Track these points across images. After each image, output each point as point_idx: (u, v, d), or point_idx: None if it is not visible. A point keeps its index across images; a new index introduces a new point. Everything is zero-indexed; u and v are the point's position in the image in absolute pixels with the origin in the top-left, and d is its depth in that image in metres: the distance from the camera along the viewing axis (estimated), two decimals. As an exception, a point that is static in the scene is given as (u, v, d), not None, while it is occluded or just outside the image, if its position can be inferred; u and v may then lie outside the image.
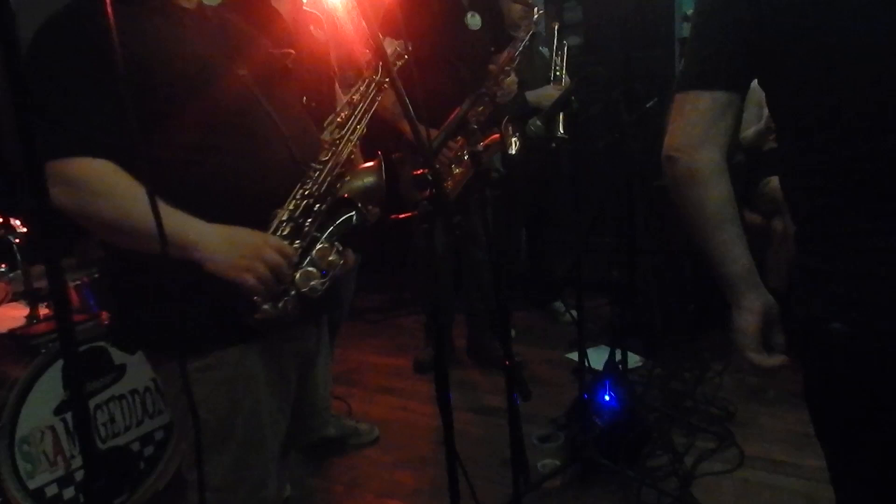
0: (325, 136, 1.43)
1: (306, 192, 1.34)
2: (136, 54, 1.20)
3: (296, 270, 1.31)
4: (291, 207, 1.33)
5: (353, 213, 1.37)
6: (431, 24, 2.92)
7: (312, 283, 1.31)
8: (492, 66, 2.92)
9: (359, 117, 1.42)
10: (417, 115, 1.27)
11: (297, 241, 1.33)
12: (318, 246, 1.34)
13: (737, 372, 3.13)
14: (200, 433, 1.12)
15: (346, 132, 1.42)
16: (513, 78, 2.96)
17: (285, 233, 1.32)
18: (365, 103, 1.42)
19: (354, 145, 1.42)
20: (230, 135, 1.30)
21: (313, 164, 1.37)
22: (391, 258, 4.34)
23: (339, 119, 1.43)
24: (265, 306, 1.29)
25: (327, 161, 1.37)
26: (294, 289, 1.31)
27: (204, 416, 1.26)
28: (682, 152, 1.12)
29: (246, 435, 1.39)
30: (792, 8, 1.05)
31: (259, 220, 1.32)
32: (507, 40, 3.08)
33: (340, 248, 1.36)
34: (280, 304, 1.30)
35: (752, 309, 1.14)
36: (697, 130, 1.11)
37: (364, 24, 1.22)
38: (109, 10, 0.92)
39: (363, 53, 2.14)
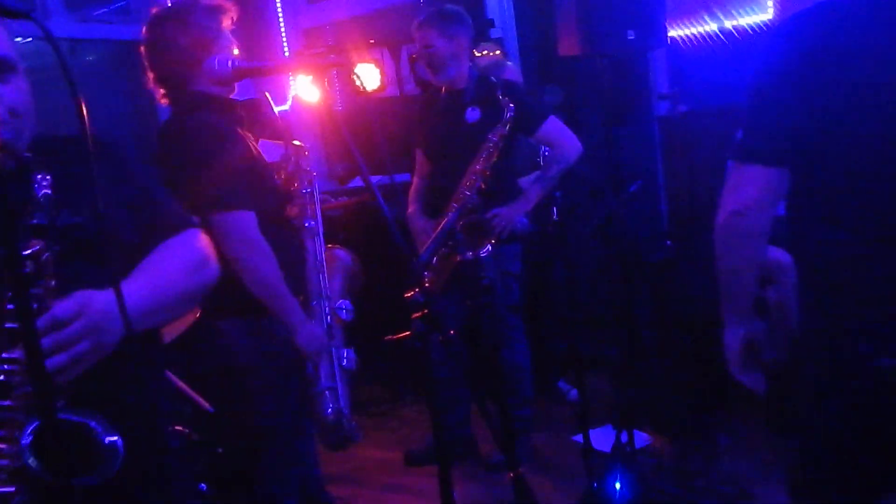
0: None
1: None
2: None
3: None
4: None
5: None
6: (435, 121, 3.16)
7: None
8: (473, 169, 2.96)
9: None
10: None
11: None
12: None
13: (752, 450, 3.05)
14: None
15: None
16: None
17: None
18: None
19: None
20: None
21: None
22: (389, 348, 4.29)
23: None
24: None
25: None
26: None
27: None
28: (749, 212, 1.41)
29: None
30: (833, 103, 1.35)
31: None
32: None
33: None
34: None
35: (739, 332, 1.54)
36: (763, 198, 1.41)
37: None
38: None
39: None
